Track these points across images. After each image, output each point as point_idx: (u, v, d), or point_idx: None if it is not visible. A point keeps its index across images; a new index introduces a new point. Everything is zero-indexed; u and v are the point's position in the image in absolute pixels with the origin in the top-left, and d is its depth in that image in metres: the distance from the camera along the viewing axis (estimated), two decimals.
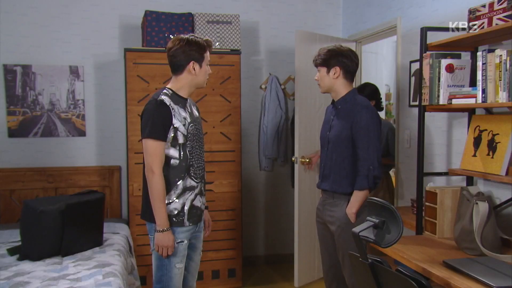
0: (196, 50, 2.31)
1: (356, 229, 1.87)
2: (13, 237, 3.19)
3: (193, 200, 2.36)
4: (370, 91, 3.75)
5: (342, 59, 2.58)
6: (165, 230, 2.26)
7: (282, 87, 4.41)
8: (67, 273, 2.54)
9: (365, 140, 2.50)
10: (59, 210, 2.82)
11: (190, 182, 2.35)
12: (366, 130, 2.50)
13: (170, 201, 2.29)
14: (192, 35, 2.36)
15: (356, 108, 2.55)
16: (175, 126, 2.25)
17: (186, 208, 2.33)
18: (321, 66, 2.62)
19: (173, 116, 2.25)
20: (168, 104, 2.25)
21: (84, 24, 3.98)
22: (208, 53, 2.38)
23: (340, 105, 2.64)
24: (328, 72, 2.60)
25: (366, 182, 2.49)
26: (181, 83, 2.36)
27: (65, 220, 2.83)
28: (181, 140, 2.28)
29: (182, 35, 2.35)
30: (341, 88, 2.62)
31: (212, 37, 3.76)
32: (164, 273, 2.31)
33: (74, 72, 3.98)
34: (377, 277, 1.86)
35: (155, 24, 3.65)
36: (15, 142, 3.89)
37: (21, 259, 2.77)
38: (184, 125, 2.29)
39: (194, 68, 2.33)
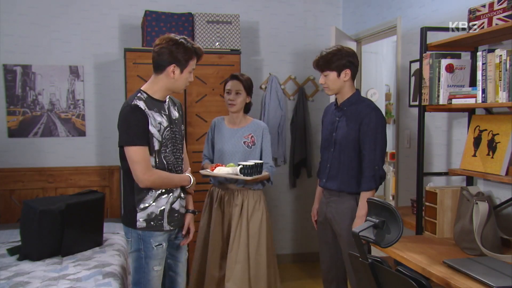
0: (181, 54, 2.21)
1: (356, 229, 1.87)
2: (13, 237, 3.19)
3: (172, 203, 2.31)
4: None
5: (350, 60, 2.59)
6: (192, 182, 2.39)
7: (282, 87, 4.41)
8: (67, 273, 2.54)
9: (373, 142, 2.54)
10: (59, 210, 2.82)
11: None
12: (375, 131, 2.54)
13: (147, 205, 2.23)
14: (184, 38, 2.25)
15: (365, 110, 2.58)
16: (150, 132, 2.19)
17: (165, 212, 2.28)
18: (330, 70, 2.58)
19: (148, 121, 2.18)
20: (143, 109, 2.18)
21: (84, 24, 3.98)
22: (194, 61, 2.27)
23: (345, 107, 2.65)
24: (338, 75, 2.59)
25: (373, 182, 2.55)
26: (158, 85, 2.26)
27: (65, 220, 2.83)
28: (156, 146, 2.22)
29: (173, 35, 2.26)
30: (348, 89, 2.64)
31: (212, 37, 3.76)
32: (142, 276, 2.27)
33: (74, 72, 3.98)
34: (377, 277, 1.86)
35: (155, 24, 3.65)
36: (15, 142, 3.89)
37: (21, 259, 2.77)
38: (159, 130, 2.22)
39: (173, 72, 2.23)
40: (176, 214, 2.34)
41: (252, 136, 3.00)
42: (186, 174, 2.41)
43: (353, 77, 2.64)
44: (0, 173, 3.81)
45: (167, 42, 2.21)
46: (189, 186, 2.38)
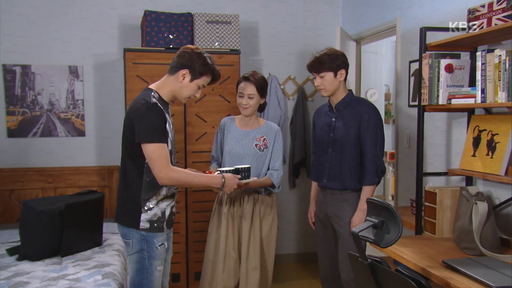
0: (198, 64, 2.23)
1: (356, 229, 1.87)
2: (13, 237, 3.18)
3: (173, 206, 2.34)
4: None
5: (344, 60, 2.66)
6: (224, 183, 2.33)
7: (282, 87, 4.41)
8: (67, 273, 2.54)
9: (374, 137, 2.61)
10: (59, 210, 2.81)
11: (173, 189, 2.32)
12: (375, 127, 2.61)
13: (151, 206, 2.23)
14: (210, 57, 2.29)
15: (363, 108, 2.63)
16: (167, 130, 2.20)
17: (167, 214, 2.29)
18: (327, 71, 2.62)
19: (166, 120, 2.19)
20: (161, 108, 2.18)
21: (84, 24, 3.98)
22: (208, 79, 2.30)
23: (341, 107, 2.69)
24: (335, 75, 2.63)
25: (376, 176, 2.61)
26: (167, 88, 2.26)
27: (65, 220, 2.82)
28: (169, 146, 2.23)
29: (203, 51, 2.29)
30: (342, 90, 2.69)
31: (212, 37, 3.76)
32: (145, 277, 2.25)
33: (74, 72, 3.98)
34: (376, 277, 1.87)
35: (155, 24, 3.65)
36: (15, 142, 3.89)
37: (20, 259, 2.76)
38: (171, 131, 2.25)
39: (184, 77, 2.23)
40: (173, 217, 2.37)
41: (264, 139, 2.85)
42: (216, 174, 2.36)
43: (346, 77, 2.68)
44: (0, 173, 3.81)
45: (192, 49, 2.26)
46: (219, 186, 2.35)
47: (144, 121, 2.13)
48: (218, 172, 2.48)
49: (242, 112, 2.84)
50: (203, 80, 2.28)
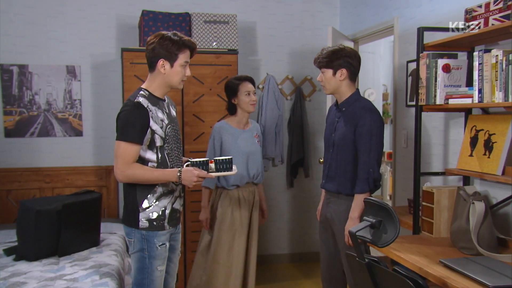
0: (167, 48, 2.20)
1: (353, 229, 1.88)
2: (10, 237, 3.18)
3: (173, 203, 2.32)
4: None
5: (348, 60, 2.57)
6: (180, 175, 2.19)
7: (279, 87, 4.41)
8: (64, 273, 2.54)
9: (367, 144, 2.51)
10: (56, 210, 2.82)
11: (171, 185, 2.31)
12: (369, 134, 2.51)
13: (149, 205, 2.24)
14: (175, 32, 2.24)
15: (360, 112, 2.54)
16: (152, 128, 2.19)
17: (167, 212, 2.28)
18: (326, 68, 2.58)
19: (150, 118, 2.18)
20: (145, 106, 2.18)
21: (81, 23, 3.98)
22: (186, 54, 2.24)
23: (344, 108, 2.64)
24: (334, 74, 2.57)
25: (367, 185, 2.51)
26: (155, 83, 2.27)
27: (62, 220, 2.82)
28: (158, 143, 2.22)
29: (165, 31, 2.26)
30: (346, 89, 2.62)
31: (210, 37, 3.76)
32: (145, 276, 2.26)
33: (71, 72, 3.97)
34: (374, 277, 1.87)
35: (152, 24, 3.64)
36: (12, 142, 3.88)
37: (17, 259, 2.76)
38: (161, 127, 2.23)
39: (163, 67, 2.22)
40: (175, 214, 2.35)
41: (258, 135, 3.12)
42: (175, 169, 2.25)
43: (351, 77, 2.60)
44: None
45: (156, 37, 2.23)
46: (176, 180, 2.21)
47: (124, 121, 2.19)
48: (189, 163, 2.34)
49: (250, 109, 3.00)
50: (182, 58, 2.24)
